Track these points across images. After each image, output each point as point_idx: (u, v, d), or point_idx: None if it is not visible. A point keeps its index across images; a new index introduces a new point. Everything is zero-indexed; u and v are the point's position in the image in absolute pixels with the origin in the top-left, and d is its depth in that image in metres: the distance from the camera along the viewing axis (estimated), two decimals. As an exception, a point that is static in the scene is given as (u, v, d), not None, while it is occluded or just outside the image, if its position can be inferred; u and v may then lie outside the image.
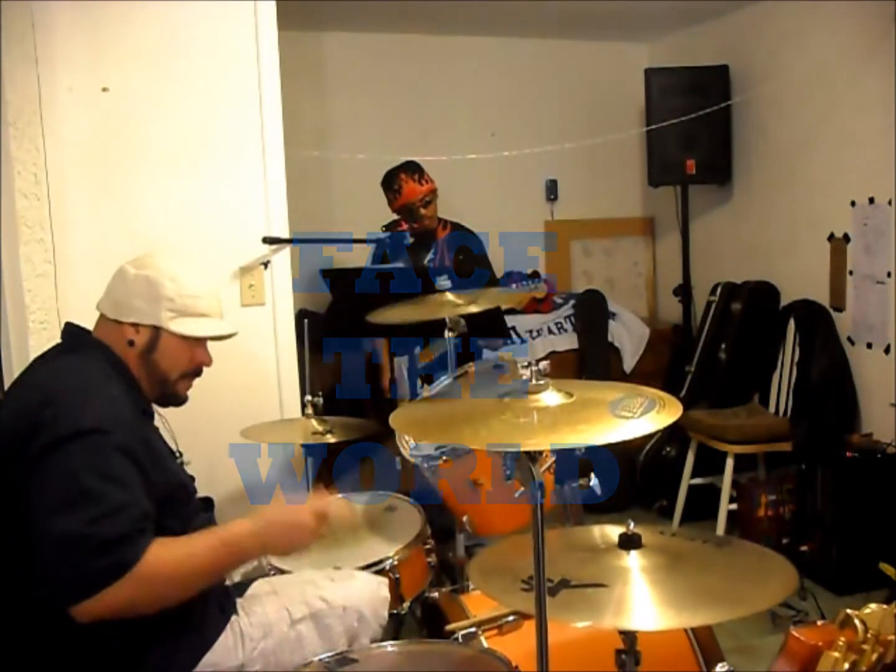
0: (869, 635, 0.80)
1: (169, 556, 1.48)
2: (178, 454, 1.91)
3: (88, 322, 1.81)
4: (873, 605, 0.81)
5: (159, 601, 1.50)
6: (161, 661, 1.60)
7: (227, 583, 1.91)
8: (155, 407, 1.84)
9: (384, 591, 1.92)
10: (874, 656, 0.79)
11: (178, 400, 1.83)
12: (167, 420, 1.99)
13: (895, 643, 0.81)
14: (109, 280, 1.79)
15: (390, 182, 3.58)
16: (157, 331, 1.73)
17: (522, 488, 1.37)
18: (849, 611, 0.79)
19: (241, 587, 1.86)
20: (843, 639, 0.79)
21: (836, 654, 0.78)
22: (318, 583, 1.87)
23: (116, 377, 1.67)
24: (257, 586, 1.87)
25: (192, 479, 1.86)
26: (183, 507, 1.70)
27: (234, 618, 1.75)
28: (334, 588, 1.85)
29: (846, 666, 0.78)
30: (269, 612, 1.78)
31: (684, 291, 4.64)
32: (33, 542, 1.44)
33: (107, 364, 1.69)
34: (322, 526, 1.71)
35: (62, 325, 1.85)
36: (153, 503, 1.54)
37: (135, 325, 1.72)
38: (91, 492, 1.43)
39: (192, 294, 1.76)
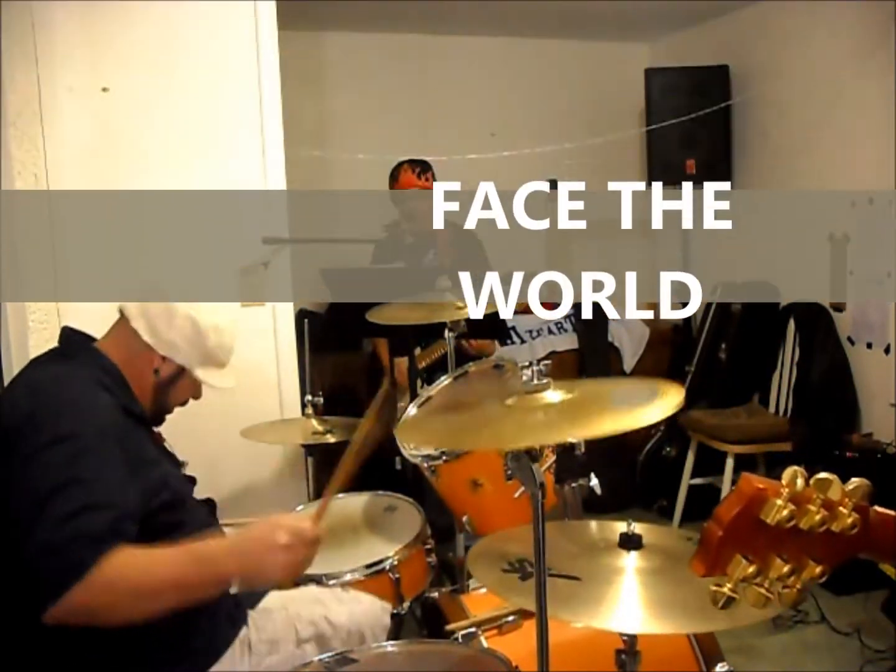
0: (816, 496, 0.82)
1: (131, 564, 1.42)
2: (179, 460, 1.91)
3: (87, 323, 1.81)
4: (827, 474, 0.83)
5: (121, 611, 1.43)
6: (168, 669, 1.60)
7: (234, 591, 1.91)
8: None
9: (386, 619, 1.92)
10: (818, 517, 0.81)
11: (161, 423, 1.88)
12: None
13: (847, 517, 0.83)
14: (148, 295, 1.77)
15: (394, 170, 3.67)
16: (182, 370, 1.78)
17: (522, 488, 1.38)
18: (796, 467, 0.82)
19: (254, 599, 1.84)
20: (787, 489, 0.82)
21: (779, 502, 0.80)
22: (327, 603, 1.86)
23: (109, 384, 1.66)
24: (270, 600, 1.85)
25: (193, 481, 1.86)
26: (178, 511, 1.68)
27: (244, 630, 1.74)
28: (341, 610, 1.85)
29: (785, 513, 0.80)
30: (278, 629, 1.78)
31: (684, 291, 4.64)
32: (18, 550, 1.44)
33: (100, 372, 1.67)
34: (303, 546, 1.55)
35: (61, 326, 1.85)
36: (138, 507, 1.52)
37: (165, 357, 1.75)
38: (55, 495, 1.41)
39: (225, 347, 1.84)
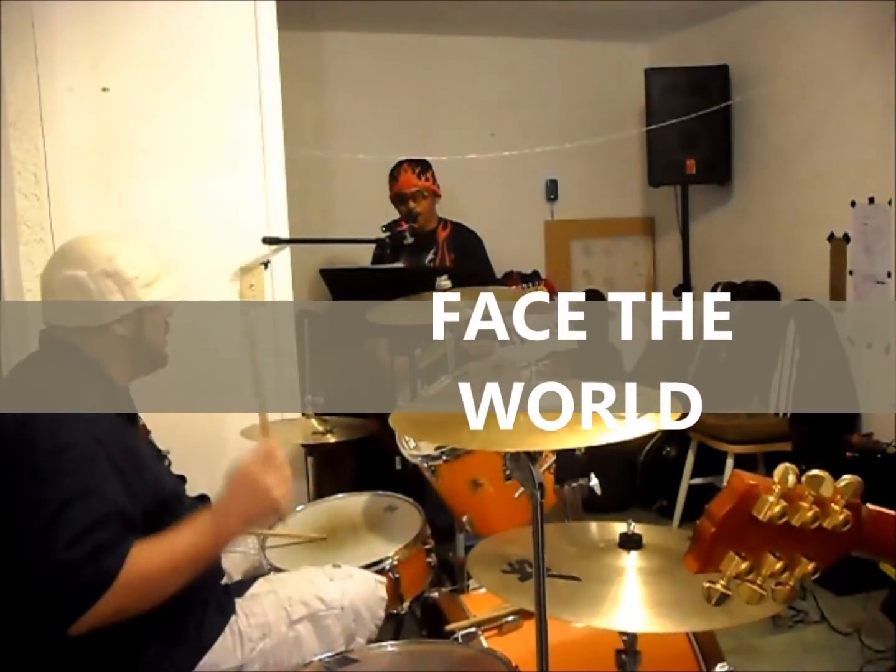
0: (807, 492, 0.83)
1: (150, 557, 1.48)
2: (164, 454, 1.91)
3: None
4: (819, 471, 0.83)
5: (149, 601, 1.50)
6: (160, 661, 1.60)
7: (227, 581, 1.91)
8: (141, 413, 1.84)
9: (382, 592, 1.91)
10: (809, 514, 0.82)
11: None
12: (147, 424, 1.98)
13: (839, 514, 0.84)
14: (46, 293, 1.73)
15: (393, 170, 3.69)
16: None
17: (522, 488, 1.38)
18: (788, 464, 0.82)
19: (242, 587, 1.86)
20: (779, 486, 0.82)
21: (771, 499, 0.81)
22: (317, 582, 1.86)
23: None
24: (258, 586, 1.86)
25: (183, 479, 1.86)
26: (176, 510, 1.69)
27: (233, 618, 1.74)
28: (332, 587, 1.84)
29: (777, 510, 0.81)
30: (268, 613, 1.78)
31: (684, 291, 4.64)
32: (19, 566, 1.45)
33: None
34: (274, 468, 1.65)
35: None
36: (139, 511, 1.54)
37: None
38: (66, 508, 1.43)
39: (145, 263, 1.74)
